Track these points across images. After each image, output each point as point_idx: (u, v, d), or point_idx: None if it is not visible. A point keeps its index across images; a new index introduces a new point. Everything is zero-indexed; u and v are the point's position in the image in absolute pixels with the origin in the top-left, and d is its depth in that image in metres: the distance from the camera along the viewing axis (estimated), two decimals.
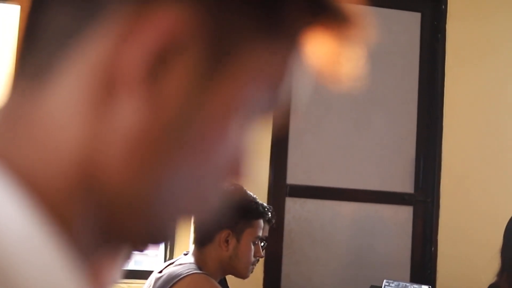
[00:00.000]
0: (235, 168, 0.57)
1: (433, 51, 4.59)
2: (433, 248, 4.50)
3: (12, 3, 4.06)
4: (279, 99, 0.57)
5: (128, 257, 0.58)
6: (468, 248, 4.53)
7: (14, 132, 0.53)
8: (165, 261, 3.85)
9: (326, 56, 0.56)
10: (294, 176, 4.35)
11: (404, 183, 4.55)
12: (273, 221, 2.93)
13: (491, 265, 3.84)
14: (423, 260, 4.51)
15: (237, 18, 0.52)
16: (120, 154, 0.51)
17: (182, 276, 2.62)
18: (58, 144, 0.51)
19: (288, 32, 0.55)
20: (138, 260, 5.41)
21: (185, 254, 2.88)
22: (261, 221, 2.85)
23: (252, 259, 2.82)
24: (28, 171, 0.51)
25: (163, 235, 0.56)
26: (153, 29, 0.50)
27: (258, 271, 2.95)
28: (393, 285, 3.39)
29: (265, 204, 2.92)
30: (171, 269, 2.71)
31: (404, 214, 4.54)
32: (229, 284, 3.02)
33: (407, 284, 3.35)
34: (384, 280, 3.45)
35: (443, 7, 4.61)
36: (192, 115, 0.52)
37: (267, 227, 2.90)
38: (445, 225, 4.52)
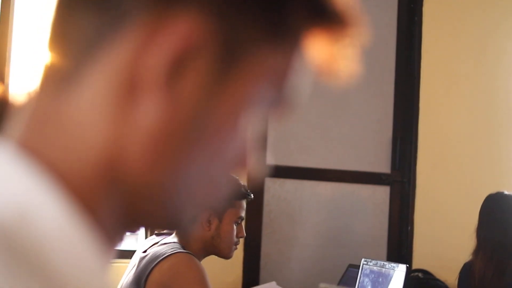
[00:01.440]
0: (242, 159, 0.63)
1: (409, 33, 4.64)
2: (409, 227, 4.58)
3: None
4: (284, 96, 0.62)
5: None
6: (444, 227, 4.61)
7: (45, 128, 0.58)
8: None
9: (325, 55, 0.61)
10: (274, 156, 4.40)
11: (381, 164, 4.62)
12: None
13: (467, 244, 3.92)
14: (400, 239, 4.59)
15: (246, 22, 0.57)
16: (142, 148, 0.56)
17: (166, 255, 2.66)
18: (86, 139, 0.56)
19: (292, 34, 0.60)
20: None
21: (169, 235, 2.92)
22: (244, 202, 2.90)
23: (235, 239, 2.86)
24: (58, 163, 0.56)
25: (179, 220, 0.62)
26: (172, 36, 0.55)
27: (238, 251, 3.00)
28: (371, 263, 3.46)
29: (245, 185, 2.96)
30: (155, 249, 2.75)
31: (381, 194, 4.61)
32: (211, 263, 3.07)
33: (385, 263, 3.42)
34: (362, 259, 3.51)
35: None
36: (206, 112, 0.58)
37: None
38: (421, 204, 4.61)
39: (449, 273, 4.15)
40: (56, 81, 0.58)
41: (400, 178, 4.60)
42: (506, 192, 3.77)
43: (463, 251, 4.05)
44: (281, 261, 4.49)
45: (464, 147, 4.69)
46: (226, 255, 2.86)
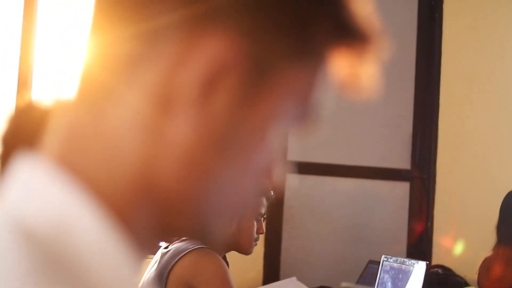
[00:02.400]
0: (269, 173, 0.65)
1: (430, 31, 4.65)
2: (429, 223, 4.59)
3: None
4: (308, 111, 0.65)
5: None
6: (464, 223, 4.62)
7: (83, 142, 0.60)
8: None
9: (348, 71, 0.64)
10: (295, 152, 4.42)
11: (401, 160, 4.63)
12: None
13: (487, 240, 3.93)
14: (420, 235, 4.60)
15: (274, 41, 0.59)
16: (175, 163, 0.59)
17: (188, 250, 2.69)
18: (122, 153, 0.59)
19: (317, 51, 0.62)
20: None
21: None
22: (264, 199, 2.92)
23: (255, 235, 2.89)
24: (94, 176, 0.59)
25: (208, 232, 0.64)
26: (205, 54, 0.57)
27: (259, 246, 3.02)
28: (391, 260, 3.48)
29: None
30: (177, 245, 2.78)
31: (401, 190, 4.62)
32: (231, 259, 3.10)
33: (405, 259, 3.43)
34: (383, 256, 3.53)
35: None
36: (236, 128, 0.60)
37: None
38: (441, 200, 4.61)
39: (469, 268, 4.16)
40: (94, 95, 0.61)
41: (420, 174, 4.61)
42: None
43: (482, 246, 4.06)
44: (302, 256, 4.51)
45: (484, 144, 4.69)
46: (246, 251, 2.89)
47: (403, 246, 4.61)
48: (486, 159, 4.70)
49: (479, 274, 3.78)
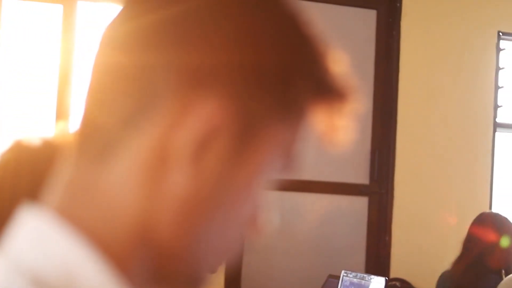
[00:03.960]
0: (253, 222, 0.71)
1: (388, 48, 4.73)
2: (387, 237, 4.66)
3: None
4: (292, 161, 0.71)
5: None
6: (421, 237, 4.71)
7: (83, 198, 0.65)
8: None
9: (325, 124, 0.71)
10: None
11: (360, 175, 4.70)
12: None
13: (443, 254, 4.01)
14: (378, 248, 4.67)
15: (259, 103, 0.65)
16: (170, 216, 0.64)
17: None
18: (121, 206, 0.64)
19: (298, 109, 0.68)
20: None
21: None
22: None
23: None
24: (94, 228, 0.64)
25: (201, 278, 0.70)
26: (198, 117, 0.63)
27: None
28: (351, 275, 3.55)
29: None
30: None
31: (360, 205, 4.69)
32: None
33: (364, 275, 3.50)
34: (342, 271, 3.59)
35: (398, 5, 4.75)
36: (226, 183, 0.66)
37: None
38: (399, 215, 4.69)
39: (426, 282, 4.24)
40: (94, 150, 0.66)
41: (378, 189, 4.69)
42: (497, 213, 3.92)
43: (439, 260, 4.14)
44: (263, 270, 4.55)
45: (441, 159, 4.79)
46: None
47: (362, 259, 4.67)
48: (443, 174, 4.79)
49: (436, 287, 3.86)
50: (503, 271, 3.74)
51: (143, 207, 0.64)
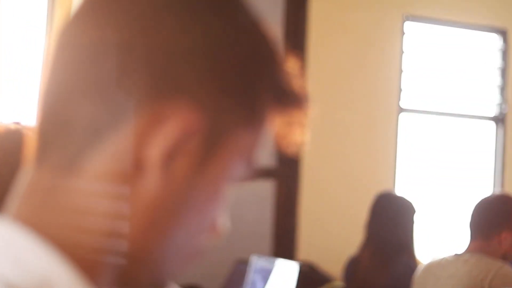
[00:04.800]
0: (216, 225, 0.73)
1: (295, 30, 4.71)
2: (294, 220, 4.66)
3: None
4: (253, 166, 0.74)
5: None
6: (329, 220, 4.73)
7: (50, 204, 0.66)
8: None
9: (284, 129, 0.75)
10: None
11: (267, 157, 4.67)
12: None
13: (352, 237, 4.04)
14: (286, 232, 4.66)
15: (225, 111, 0.69)
16: (139, 221, 0.66)
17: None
18: (89, 213, 0.65)
19: (260, 116, 0.71)
20: None
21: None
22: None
23: None
24: (62, 235, 0.65)
25: (164, 283, 0.71)
26: (168, 125, 0.65)
27: None
28: (260, 260, 3.51)
29: None
30: None
31: (267, 188, 4.67)
32: None
33: (275, 259, 3.48)
34: (252, 256, 3.56)
35: None
36: (193, 189, 0.68)
37: None
38: (306, 198, 4.70)
39: (335, 265, 4.26)
40: (61, 154, 0.67)
41: (285, 172, 4.67)
42: (395, 193, 3.94)
43: (348, 244, 4.17)
44: None
45: (348, 143, 4.82)
46: None
47: (269, 242, 4.66)
48: (351, 157, 4.83)
49: (344, 271, 3.88)
50: (414, 252, 3.77)
51: (112, 213, 0.66)
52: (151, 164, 0.65)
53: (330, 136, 4.76)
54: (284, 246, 4.63)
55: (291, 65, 0.74)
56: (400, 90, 5.04)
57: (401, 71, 5.04)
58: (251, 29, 0.72)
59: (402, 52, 5.05)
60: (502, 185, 5.33)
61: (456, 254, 3.07)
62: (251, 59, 0.71)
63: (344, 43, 4.83)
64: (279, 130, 0.74)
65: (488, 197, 3.21)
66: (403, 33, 5.05)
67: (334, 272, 4.28)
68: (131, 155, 0.65)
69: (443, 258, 3.12)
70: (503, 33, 5.37)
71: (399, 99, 5.04)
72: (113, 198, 0.65)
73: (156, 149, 0.65)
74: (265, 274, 3.48)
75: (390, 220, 3.75)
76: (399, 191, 4.75)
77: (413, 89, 5.14)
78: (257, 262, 3.52)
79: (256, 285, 3.47)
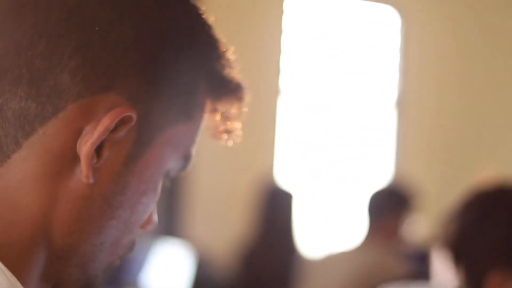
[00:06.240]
0: (148, 220, 0.72)
1: None
2: (179, 202, 4.57)
3: None
4: (189, 160, 0.72)
5: None
6: (211, 203, 4.67)
7: None
8: None
9: (220, 121, 0.74)
10: None
11: None
12: None
13: (235, 221, 3.99)
14: (171, 212, 4.57)
15: (161, 106, 0.67)
16: (69, 216, 0.65)
17: None
18: (19, 208, 0.64)
19: (197, 110, 0.71)
20: None
21: None
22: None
23: None
24: None
25: (93, 279, 0.70)
26: (99, 120, 0.64)
27: None
28: (147, 240, 3.41)
29: None
30: None
31: None
32: None
33: (161, 239, 3.39)
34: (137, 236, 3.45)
35: None
36: (125, 185, 0.67)
37: None
38: (189, 181, 4.59)
39: (219, 247, 4.20)
40: None
41: None
42: (276, 182, 3.94)
43: (228, 226, 4.12)
44: None
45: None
46: None
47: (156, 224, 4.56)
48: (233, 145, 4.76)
49: (238, 258, 3.83)
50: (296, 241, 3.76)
51: (42, 209, 0.65)
52: (81, 157, 0.64)
53: (207, 122, 4.67)
54: (170, 227, 4.53)
55: (227, 54, 0.72)
56: (280, 71, 4.99)
57: (280, 51, 4.99)
58: (186, 20, 0.71)
59: (281, 31, 4.99)
60: (400, 169, 5.29)
61: (347, 247, 3.11)
62: (186, 50, 0.69)
63: (222, 23, 4.72)
64: (214, 120, 0.74)
65: (381, 186, 3.31)
66: (282, 12, 4.99)
67: (218, 252, 4.22)
68: (61, 148, 0.65)
69: (335, 251, 3.18)
70: (403, 13, 5.34)
71: (279, 80, 4.99)
72: (43, 192, 0.65)
73: (87, 141, 0.64)
74: (151, 254, 3.38)
75: (272, 209, 3.75)
76: (279, 175, 4.74)
77: (297, 70, 5.08)
78: (144, 242, 3.42)
79: (143, 265, 3.38)
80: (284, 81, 5.06)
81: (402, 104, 5.34)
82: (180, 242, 3.39)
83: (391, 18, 5.32)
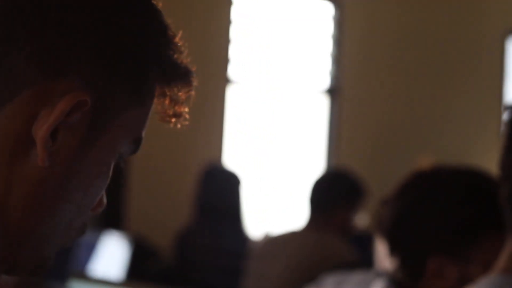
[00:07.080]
0: (99, 203, 0.73)
1: None
2: (123, 192, 4.56)
3: None
4: (139, 144, 0.74)
5: None
6: (158, 191, 4.66)
7: None
8: None
9: (170, 104, 0.76)
10: None
11: None
12: None
13: (182, 209, 3.99)
14: (113, 203, 4.54)
15: (114, 91, 0.69)
16: (24, 199, 0.67)
17: None
18: None
19: (149, 94, 0.73)
20: None
21: None
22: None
23: None
24: None
25: (45, 261, 0.71)
26: (55, 104, 0.66)
27: None
28: (88, 235, 3.39)
29: None
30: None
31: None
32: None
33: (102, 231, 3.37)
34: None
35: None
36: (79, 168, 0.69)
37: None
38: (135, 168, 4.58)
39: (164, 238, 4.20)
40: None
41: None
42: (221, 165, 3.92)
43: (176, 215, 4.12)
44: None
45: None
46: None
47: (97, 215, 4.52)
48: (180, 128, 4.75)
49: (176, 244, 3.82)
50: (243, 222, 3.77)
51: None
52: (37, 141, 0.66)
53: (156, 106, 4.66)
54: (112, 218, 4.51)
55: (176, 39, 0.74)
56: (229, 60, 5.00)
57: (229, 41, 4.99)
58: (138, 6, 0.73)
59: (230, 22, 5.00)
60: (335, 158, 5.35)
61: (291, 231, 3.10)
62: (138, 36, 0.71)
63: (170, 13, 4.72)
64: (163, 104, 0.76)
65: (326, 172, 3.28)
66: (231, 2, 5.00)
67: (164, 243, 4.21)
68: (17, 132, 0.66)
69: (279, 234, 3.15)
70: (336, 1, 5.39)
71: (227, 70, 5.00)
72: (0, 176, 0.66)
73: (42, 125, 0.66)
74: (90, 247, 3.36)
75: (217, 191, 3.73)
76: (226, 163, 4.75)
77: (243, 60, 5.09)
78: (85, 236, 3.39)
79: (82, 259, 3.35)
80: (233, 71, 5.07)
81: (336, 92, 5.39)
82: (122, 230, 3.37)
83: (325, 6, 5.38)
